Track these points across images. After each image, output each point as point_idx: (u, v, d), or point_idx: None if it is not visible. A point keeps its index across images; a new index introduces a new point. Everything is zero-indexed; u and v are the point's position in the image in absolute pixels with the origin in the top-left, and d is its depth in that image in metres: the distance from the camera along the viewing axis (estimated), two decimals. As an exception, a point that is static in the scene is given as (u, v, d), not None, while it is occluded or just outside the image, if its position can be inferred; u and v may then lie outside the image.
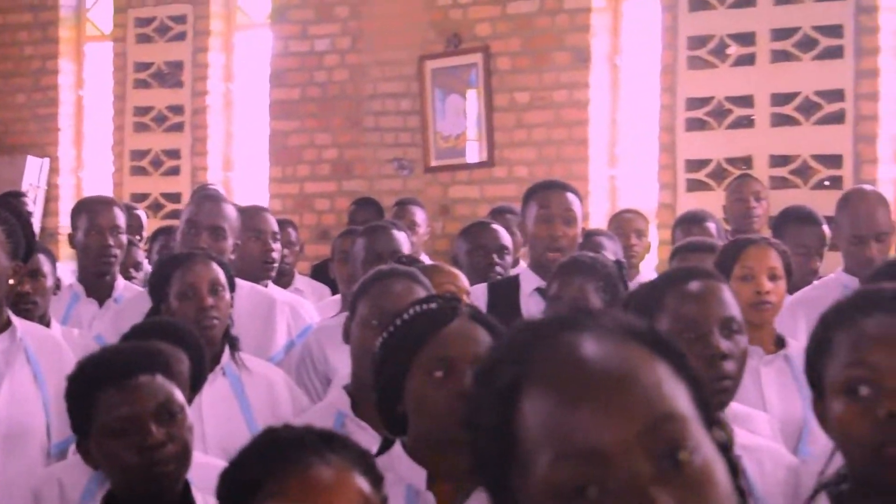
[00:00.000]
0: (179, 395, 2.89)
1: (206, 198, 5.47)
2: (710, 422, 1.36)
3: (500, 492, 1.36)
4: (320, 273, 7.98)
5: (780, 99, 7.92)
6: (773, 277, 4.39)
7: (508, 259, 5.97)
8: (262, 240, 5.86)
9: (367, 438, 3.02)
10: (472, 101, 9.10)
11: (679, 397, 1.34)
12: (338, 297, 6.29)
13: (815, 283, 5.49)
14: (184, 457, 2.85)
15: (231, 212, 5.31)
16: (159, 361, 2.90)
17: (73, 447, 4.06)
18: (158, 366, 2.89)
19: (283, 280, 6.95)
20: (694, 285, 3.11)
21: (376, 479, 2.12)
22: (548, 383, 1.33)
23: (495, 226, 6.12)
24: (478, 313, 2.94)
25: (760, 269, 4.39)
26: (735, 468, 1.36)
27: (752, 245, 4.48)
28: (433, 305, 2.92)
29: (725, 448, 1.36)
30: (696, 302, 3.08)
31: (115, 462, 2.83)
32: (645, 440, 1.30)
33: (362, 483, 2.10)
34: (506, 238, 5.96)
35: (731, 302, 3.11)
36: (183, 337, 3.61)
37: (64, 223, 10.87)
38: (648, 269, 7.46)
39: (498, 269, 5.86)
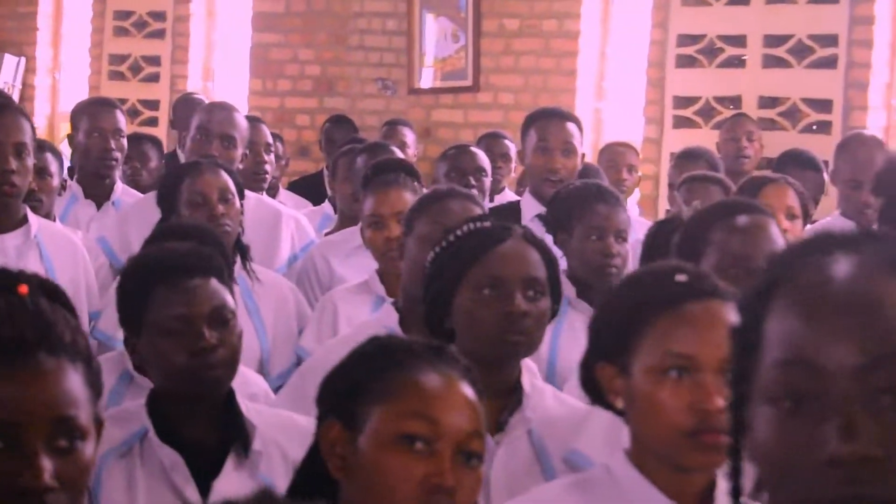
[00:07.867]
0: (231, 302, 2.87)
1: (218, 106, 5.43)
2: None
3: (742, 380, 1.43)
4: (297, 189, 7.97)
5: (773, 40, 7.92)
6: (790, 217, 4.42)
7: (486, 181, 6.01)
8: (255, 151, 5.89)
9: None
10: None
11: None
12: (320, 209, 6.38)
13: (814, 225, 5.52)
14: (232, 363, 2.83)
15: (242, 121, 5.28)
16: (215, 266, 2.89)
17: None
18: (213, 270, 2.87)
19: (269, 194, 6.90)
20: (742, 220, 3.12)
21: (479, 392, 2.12)
22: (795, 293, 1.39)
23: (473, 148, 6.16)
24: (531, 235, 2.95)
25: (779, 208, 4.39)
26: None
27: (771, 183, 4.50)
28: (487, 224, 2.93)
29: None
30: (745, 236, 3.09)
31: (164, 362, 2.80)
32: (869, 369, 1.33)
33: (469, 392, 2.10)
34: (483, 161, 6.00)
35: (778, 237, 3.12)
36: (209, 239, 3.58)
37: (37, 123, 10.74)
38: (632, 204, 7.47)
39: (474, 191, 5.89)
